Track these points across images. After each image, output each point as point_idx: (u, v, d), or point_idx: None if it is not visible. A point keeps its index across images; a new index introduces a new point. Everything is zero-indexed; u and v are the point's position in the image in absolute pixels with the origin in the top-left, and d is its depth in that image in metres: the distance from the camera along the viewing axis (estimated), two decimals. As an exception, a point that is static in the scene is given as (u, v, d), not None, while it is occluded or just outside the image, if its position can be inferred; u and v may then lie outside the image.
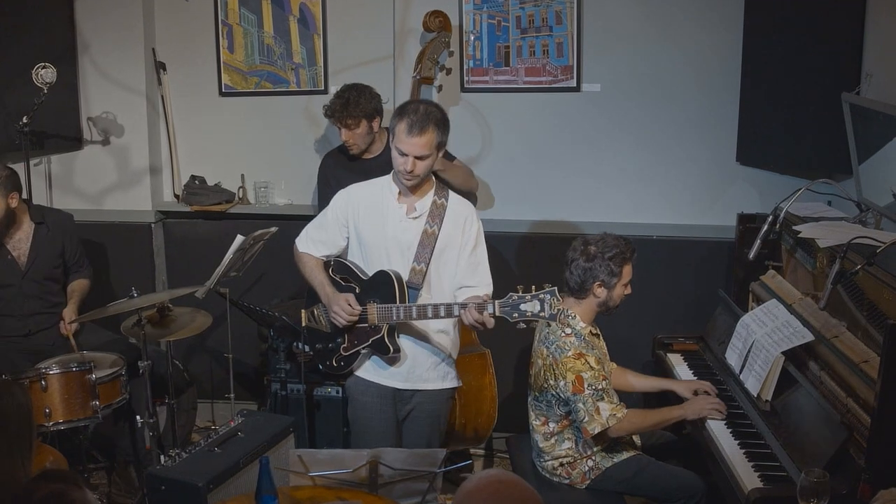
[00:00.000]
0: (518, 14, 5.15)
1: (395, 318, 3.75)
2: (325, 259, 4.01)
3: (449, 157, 4.97)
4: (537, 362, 3.97)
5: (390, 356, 3.86)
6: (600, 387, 3.78)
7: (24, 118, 5.06)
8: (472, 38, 5.21)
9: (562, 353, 3.81)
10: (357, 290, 3.86)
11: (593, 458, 3.93)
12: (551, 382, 3.84)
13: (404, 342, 3.89)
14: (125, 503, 4.79)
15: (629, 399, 4.10)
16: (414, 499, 3.39)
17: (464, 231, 3.84)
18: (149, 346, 4.41)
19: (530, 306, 3.45)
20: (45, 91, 4.99)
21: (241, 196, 5.67)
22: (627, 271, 3.93)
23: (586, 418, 3.77)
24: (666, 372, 4.48)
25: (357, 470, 3.33)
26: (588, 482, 3.93)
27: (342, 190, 4.02)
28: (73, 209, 5.48)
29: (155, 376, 4.55)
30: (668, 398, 4.26)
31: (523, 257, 5.36)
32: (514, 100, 5.29)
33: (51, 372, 4.24)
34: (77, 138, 5.65)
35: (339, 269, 3.94)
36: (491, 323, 3.58)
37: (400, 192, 3.85)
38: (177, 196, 5.76)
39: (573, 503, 3.91)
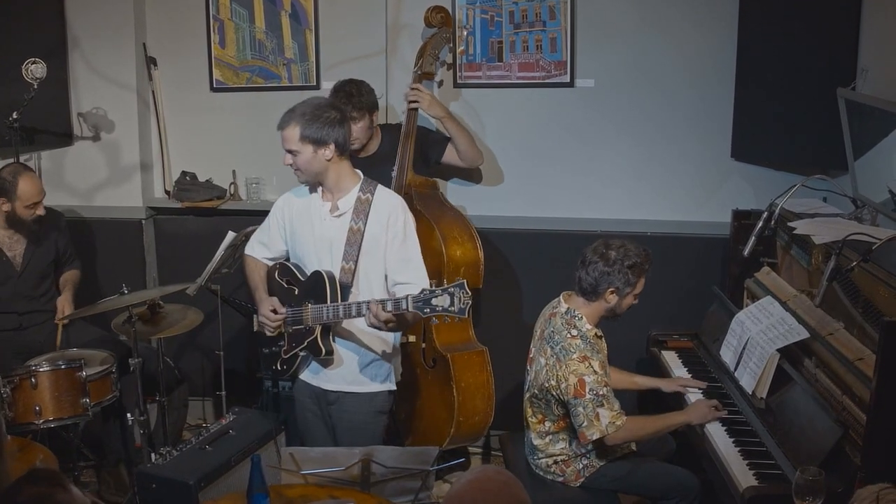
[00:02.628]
0: (511, 9, 5.12)
1: (325, 318, 3.74)
2: (267, 262, 4.06)
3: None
4: (539, 360, 3.91)
5: (322, 358, 3.84)
6: (601, 392, 3.72)
7: (14, 114, 5.02)
8: (465, 33, 5.18)
9: (566, 355, 3.76)
10: (296, 292, 3.86)
11: (587, 455, 3.90)
12: (552, 383, 3.79)
13: (336, 344, 3.87)
14: (116, 502, 4.76)
15: (622, 397, 4.07)
16: (406, 497, 3.38)
17: (388, 227, 3.80)
18: (139, 344, 4.39)
19: (440, 301, 3.42)
20: (35, 87, 4.96)
21: (232, 192, 5.64)
22: (641, 283, 3.89)
23: (585, 423, 3.71)
24: (661, 369, 4.47)
25: (349, 468, 3.32)
26: (582, 480, 3.90)
27: (284, 194, 4.06)
28: (63, 205, 5.49)
29: (146, 374, 4.52)
30: (656, 395, 4.26)
31: (515, 254, 5.34)
32: (507, 95, 5.25)
33: (41, 369, 4.23)
34: (67, 134, 5.61)
35: (283, 272, 3.96)
36: (383, 318, 3.55)
37: (324, 191, 3.86)
38: (168, 192, 5.72)
39: (567, 501, 3.89)
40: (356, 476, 3.33)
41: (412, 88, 4.91)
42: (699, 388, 4.12)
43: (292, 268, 3.93)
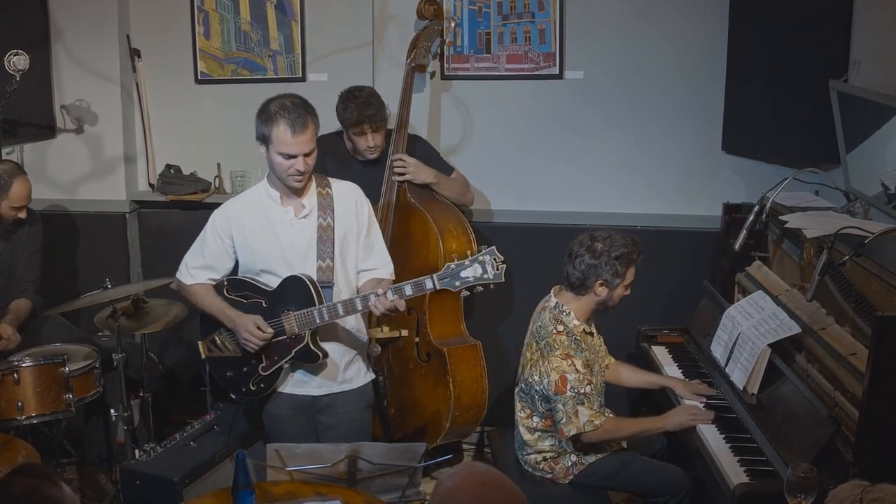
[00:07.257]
0: (500, 0, 5.07)
1: (318, 321, 3.61)
2: (213, 283, 3.85)
3: (446, 168, 4.88)
4: (526, 355, 3.91)
5: (319, 363, 3.70)
6: (583, 391, 3.70)
7: (-3, 106, 4.98)
8: (453, 24, 5.13)
9: (550, 351, 3.74)
10: (264, 304, 3.70)
11: (576, 452, 3.87)
12: (535, 378, 3.78)
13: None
14: (99, 499, 4.71)
15: (620, 392, 4.03)
16: (394, 494, 3.35)
17: (357, 215, 3.76)
18: (123, 339, 4.34)
19: (471, 271, 3.39)
20: (18, 78, 4.90)
21: (217, 185, 5.59)
22: (631, 273, 3.84)
23: (563, 419, 3.70)
24: (650, 365, 4.44)
25: (335, 465, 3.28)
26: (571, 477, 3.88)
27: (216, 211, 3.84)
28: (46, 199, 5.47)
29: (129, 369, 4.48)
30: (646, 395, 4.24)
31: (505, 248, 5.22)
32: (495, 87, 5.21)
33: (23, 365, 4.19)
34: (50, 126, 5.56)
35: (237, 287, 3.78)
36: (402, 306, 3.51)
37: (282, 196, 3.72)
38: (152, 185, 5.67)
39: (556, 498, 3.87)
40: (342, 473, 3.29)
41: (395, 158, 4.72)
42: (706, 397, 4.00)
43: (247, 281, 3.76)
